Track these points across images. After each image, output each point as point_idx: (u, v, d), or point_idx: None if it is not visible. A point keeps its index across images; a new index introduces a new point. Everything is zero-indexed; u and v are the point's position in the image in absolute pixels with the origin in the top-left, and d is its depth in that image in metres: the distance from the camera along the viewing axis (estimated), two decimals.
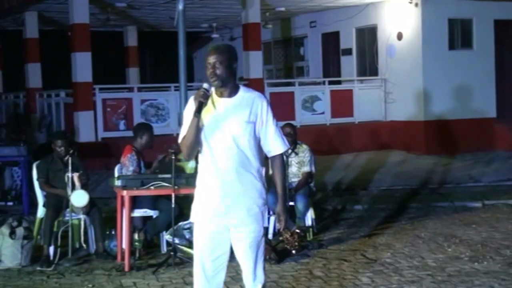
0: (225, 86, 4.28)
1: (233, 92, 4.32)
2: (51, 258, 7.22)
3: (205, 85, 4.26)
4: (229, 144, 4.22)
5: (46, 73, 17.38)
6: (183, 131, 4.27)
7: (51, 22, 17.90)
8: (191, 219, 4.48)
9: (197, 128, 4.19)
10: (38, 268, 7.06)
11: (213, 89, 4.30)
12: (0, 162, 10.72)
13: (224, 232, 4.32)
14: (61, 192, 7.44)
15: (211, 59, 4.27)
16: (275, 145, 4.39)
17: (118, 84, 16.80)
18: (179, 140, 4.30)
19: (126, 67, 20.68)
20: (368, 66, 17.06)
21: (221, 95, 4.30)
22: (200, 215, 4.39)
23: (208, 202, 4.34)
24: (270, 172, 8.41)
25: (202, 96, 4.19)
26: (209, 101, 4.27)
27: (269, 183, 8.65)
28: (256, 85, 15.17)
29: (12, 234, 7.20)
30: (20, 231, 7.26)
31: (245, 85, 15.43)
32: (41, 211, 7.72)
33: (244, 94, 4.34)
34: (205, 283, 4.44)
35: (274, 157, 4.45)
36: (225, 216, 4.28)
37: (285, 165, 4.44)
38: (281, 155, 4.46)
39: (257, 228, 4.36)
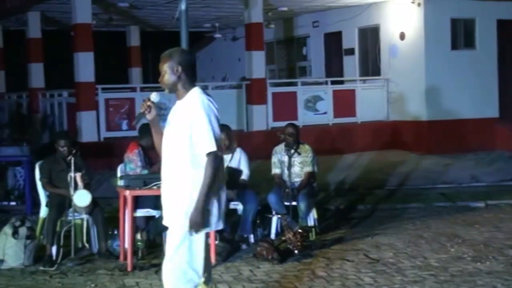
0: (174, 90, 4.43)
1: (183, 96, 4.45)
2: (54, 258, 7.23)
3: (152, 95, 4.51)
4: (168, 149, 4.43)
5: (49, 73, 17.39)
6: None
7: (53, 22, 17.92)
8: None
9: (156, 135, 4.56)
10: (41, 268, 7.07)
11: None
12: (3, 162, 10.73)
13: None
14: (64, 192, 7.44)
15: (160, 65, 4.43)
16: (201, 146, 4.34)
17: (121, 84, 16.81)
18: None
19: (129, 67, 20.70)
20: (371, 66, 17.05)
21: (178, 98, 4.48)
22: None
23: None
24: (273, 172, 8.49)
25: (142, 106, 4.49)
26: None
27: (271, 183, 8.69)
28: (258, 85, 15.21)
29: (15, 234, 7.21)
30: (23, 231, 7.26)
31: (247, 85, 15.38)
32: (43, 211, 7.73)
33: (189, 96, 4.43)
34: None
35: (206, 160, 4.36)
36: (165, 220, 4.54)
37: (213, 166, 4.32)
38: (211, 156, 4.33)
39: (180, 233, 4.45)
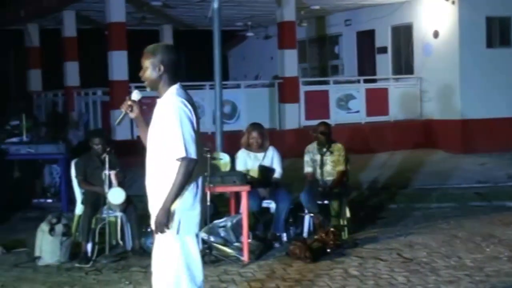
0: (155, 88, 4.35)
1: (163, 93, 4.34)
2: (89, 254, 7.30)
3: (134, 93, 4.48)
4: (150, 148, 4.37)
5: (84, 72, 17.58)
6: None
7: (88, 21, 18.11)
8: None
9: (142, 134, 4.49)
10: (77, 265, 7.14)
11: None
12: (40, 160, 10.88)
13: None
14: (99, 190, 7.52)
15: (141, 62, 4.35)
16: (169, 149, 4.22)
17: None
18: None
19: None
20: (404, 65, 16.94)
21: (159, 96, 4.38)
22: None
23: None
24: (305, 170, 8.49)
25: (124, 105, 4.45)
26: None
27: (304, 181, 8.69)
28: (291, 83, 15.20)
29: (51, 231, 7.30)
30: (59, 228, 7.35)
31: (279, 83, 15.35)
32: (79, 208, 7.82)
33: (163, 98, 4.32)
34: None
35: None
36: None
37: (179, 173, 4.19)
38: (182, 162, 4.18)
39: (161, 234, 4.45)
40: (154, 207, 4.30)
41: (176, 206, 4.23)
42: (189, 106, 4.24)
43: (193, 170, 4.21)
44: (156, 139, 4.29)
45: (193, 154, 4.18)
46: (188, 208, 4.30)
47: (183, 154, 4.15)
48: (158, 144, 4.28)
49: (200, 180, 4.37)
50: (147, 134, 4.40)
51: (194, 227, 4.37)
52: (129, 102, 4.43)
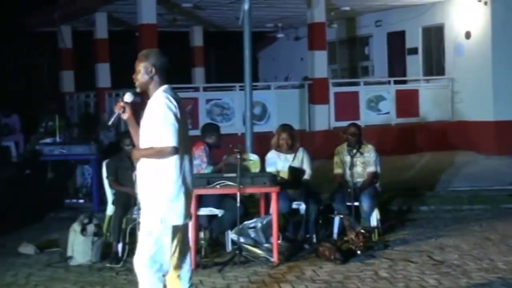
0: (145, 89, 4.70)
1: (153, 94, 4.71)
2: (120, 255, 7.36)
3: (127, 95, 4.72)
4: (141, 144, 4.69)
5: (115, 73, 17.71)
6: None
7: (120, 23, 18.25)
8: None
9: (134, 134, 4.79)
10: (108, 265, 7.21)
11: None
12: (73, 161, 10.99)
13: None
14: (129, 191, 7.58)
15: (135, 65, 4.69)
16: (160, 142, 4.63)
17: (184, 84, 16.99)
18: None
19: (192, 66, 20.90)
20: (435, 66, 16.81)
21: (149, 97, 4.71)
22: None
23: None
24: (335, 172, 8.47)
25: (117, 106, 4.73)
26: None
27: (334, 183, 8.66)
28: (320, 84, 15.17)
29: (83, 231, 7.38)
30: (90, 228, 7.43)
31: (309, 84, 15.37)
32: (110, 209, 7.89)
33: (153, 98, 4.69)
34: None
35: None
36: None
37: (158, 148, 4.68)
38: (167, 149, 4.64)
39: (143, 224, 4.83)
40: (146, 202, 4.74)
41: (161, 195, 4.62)
42: (174, 102, 4.65)
43: (169, 156, 4.60)
44: (147, 135, 4.64)
45: (174, 142, 4.58)
46: (172, 199, 4.63)
47: (172, 144, 4.59)
48: (149, 140, 4.62)
49: (187, 173, 4.70)
50: (138, 135, 4.74)
51: (177, 218, 4.66)
52: (122, 104, 4.73)
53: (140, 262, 4.76)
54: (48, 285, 6.58)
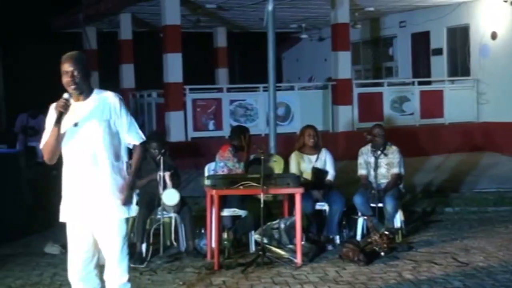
0: (82, 92, 4.63)
1: (88, 95, 4.67)
2: (144, 255, 7.39)
3: (66, 95, 4.55)
4: (86, 144, 4.58)
5: (139, 74, 17.83)
6: (45, 138, 4.59)
7: (144, 24, 18.36)
8: (62, 219, 4.74)
9: (58, 135, 4.54)
10: (132, 265, 7.19)
11: (68, 94, 4.60)
12: None
13: (86, 227, 4.70)
14: (150, 178, 7.60)
15: (68, 68, 4.56)
16: (131, 137, 4.77)
17: (208, 85, 17.06)
18: (41, 146, 4.63)
19: (216, 67, 20.96)
20: (460, 66, 16.69)
21: (77, 99, 4.62)
22: (71, 214, 4.70)
23: (76, 200, 4.65)
24: (359, 173, 8.45)
25: (63, 107, 4.50)
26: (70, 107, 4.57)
27: (357, 184, 8.65)
28: (344, 85, 15.13)
29: None
30: None
31: (333, 85, 15.38)
32: (134, 209, 7.90)
33: (97, 95, 4.69)
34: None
35: (134, 147, 4.82)
36: (90, 211, 4.64)
37: (142, 155, 4.85)
38: (140, 145, 4.80)
39: (115, 220, 4.71)
40: (106, 196, 4.65)
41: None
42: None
43: None
44: (99, 133, 4.60)
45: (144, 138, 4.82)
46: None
47: (144, 138, 4.82)
48: (105, 137, 4.61)
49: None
50: (59, 137, 4.57)
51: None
52: (64, 102, 4.56)
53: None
54: None
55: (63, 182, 4.70)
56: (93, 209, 4.63)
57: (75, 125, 4.56)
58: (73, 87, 4.56)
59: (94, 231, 4.69)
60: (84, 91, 4.64)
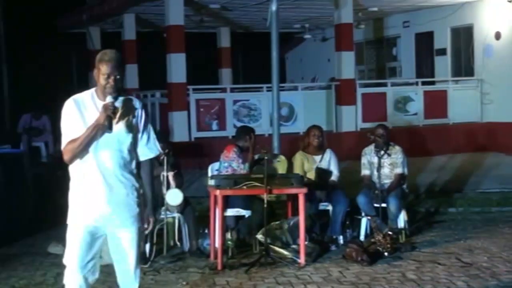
0: (117, 96, 4.38)
1: (117, 98, 4.39)
2: (147, 255, 7.39)
3: (109, 99, 4.29)
4: (115, 149, 4.36)
5: (143, 74, 17.84)
6: (70, 137, 4.32)
7: (147, 24, 18.37)
8: (75, 221, 4.53)
9: (94, 139, 4.31)
10: None
11: (93, 92, 4.40)
12: None
13: (102, 233, 4.52)
14: (156, 173, 7.60)
15: (110, 70, 4.30)
16: (148, 149, 4.56)
17: (211, 85, 17.06)
18: (66, 145, 4.34)
19: (219, 68, 20.96)
20: (463, 67, 16.68)
21: (105, 100, 4.34)
22: (82, 218, 4.48)
23: (93, 204, 4.42)
24: (362, 173, 8.45)
25: (113, 112, 4.28)
26: (93, 105, 4.36)
27: (361, 184, 8.64)
28: (348, 85, 15.13)
29: None
30: None
31: (336, 85, 15.35)
32: None
33: (124, 98, 4.44)
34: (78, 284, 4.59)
35: (146, 160, 4.59)
36: (109, 217, 4.43)
37: (153, 170, 4.65)
38: (152, 158, 4.61)
39: (137, 229, 4.55)
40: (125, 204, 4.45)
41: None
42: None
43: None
44: (128, 140, 4.42)
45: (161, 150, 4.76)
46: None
47: (160, 151, 4.78)
48: (126, 144, 4.42)
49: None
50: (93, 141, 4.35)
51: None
52: (113, 106, 4.31)
53: None
54: None
55: (77, 185, 4.46)
56: (116, 215, 4.43)
57: (110, 130, 4.30)
58: (112, 90, 4.32)
59: (111, 238, 4.55)
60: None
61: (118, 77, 4.32)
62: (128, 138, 4.41)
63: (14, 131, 15.59)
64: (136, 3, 15.77)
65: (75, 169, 4.44)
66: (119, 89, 4.37)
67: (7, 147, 11.21)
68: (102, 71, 4.31)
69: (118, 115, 4.34)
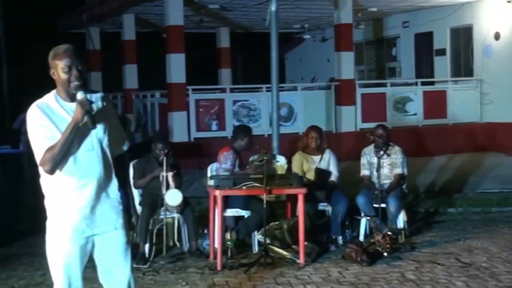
0: (84, 90, 3.95)
1: (85, 91, 3.97)
2: (147, 255, 7.40)
3: (81, 94, 3.88)
4: (93, 148, 3.98)
5: (142, 74, 17.84)
6: (45, 145, 3.87)
7: (147, 24, 18.38)
8: (52, 236, 4.17)
9: (73, 140, 3.88)
10: (135, 265, 7.20)
11: (55, 94, 3.98)
12: None
13: (89, 241, 4.12)
14: (156, 173, 7.60)
15: (70, 61, 3.90)
16: (119, 141, 4.22)
17: (211, 85, 17.07)
18: (43, 156, 3.90)
19: (219, 68, 20.97)
20: (463, 67, 16.69)
21: (69, 99, 3.95)
22: (68, 229, 4.06)
23: (78, 212, 4.02)
24: (362, 173, 8.44)
25: (91, 107, 3.87)
26: (60, 108, 3.95)
27: (360, 184, 8.64)
28: (347, 86, 15.13)
29: None
30: None
31: (336, 86, 15.33)
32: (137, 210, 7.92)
33: (89, 94, 3.98)
34: None
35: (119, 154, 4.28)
36: (94, 223, 4.05)
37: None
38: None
39: (122, 228, 4.17)
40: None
41: None
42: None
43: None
44: (105, 137, 4.05)
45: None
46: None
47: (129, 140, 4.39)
48: (105, 139, 4.04)
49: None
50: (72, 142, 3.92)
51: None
52: (88, 101, 3.90)
53: None
54: None
55: (58, 191, 4.08)
56: (102, 218, 4.06)
57: (93, 126, 3.87)
58: (79, 83, 3.91)
59: (99, 243, 4.15)
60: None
61: (80, 67, 3.92)
62: (105, 135, 4.03)
63: (14, 131, 15.57)
64: (136, 3, 15.78)
65: (56, 178, 4.02)
66: (85, 83, 3.96)
67: (7, 148, 11.23)
68: (61, 65, 3.90)
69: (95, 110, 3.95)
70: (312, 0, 15.83)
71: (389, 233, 7.48)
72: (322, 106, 15.14)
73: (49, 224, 4.17)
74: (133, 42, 17.48)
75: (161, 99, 15.41)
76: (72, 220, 4.04)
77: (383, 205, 8.02)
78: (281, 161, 8.73)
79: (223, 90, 15.92)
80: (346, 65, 15.22)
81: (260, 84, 14.98)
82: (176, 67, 14.14)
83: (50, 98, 3.98)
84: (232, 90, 15.58)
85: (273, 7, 11.20)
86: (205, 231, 7.67)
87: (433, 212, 9.90)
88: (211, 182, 7.50)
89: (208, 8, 16.23)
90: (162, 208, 7.52)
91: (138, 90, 17.38)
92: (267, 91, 13.81)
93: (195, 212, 8.05)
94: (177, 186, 7.60)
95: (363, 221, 8.15)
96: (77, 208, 4.02)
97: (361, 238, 8.05)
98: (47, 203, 4.12)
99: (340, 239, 7.94)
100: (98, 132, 3.99)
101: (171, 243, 7.81)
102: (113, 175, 4.13)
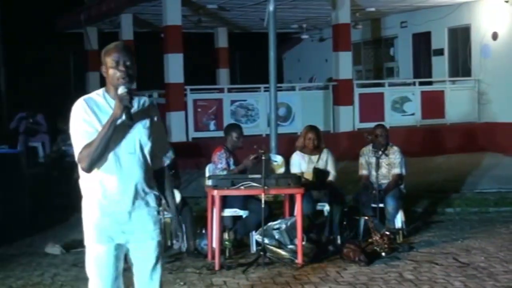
0: (131, 88, 3.87)
1: (130, 89, 3.86)
2: None
3: (122, 89, 3.78)
4: (135, 151, 3.86)
5: (140, 74, 17.79)
6: (84, 141, 3.76)
7: (145, 24, 18.36)
8: (90, 241, 3.93)
9: (111, 137, 3.75)
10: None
11: (104, 91, 3.91)
12: None
13: (123, 247, 3.97)
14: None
15: (118, 56, 3.85)
16: (162, 156, 4.10)
17: (209, 85, 17.06)
18: (80, 152, 3.78)
19: (217, 68, 20.96)
20: (461, 67, 16.70)
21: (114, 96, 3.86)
22: (105, 235, 3.89)
23: (114, 216, 3.88)
24: (360, 173, 8.44)
25: (130, 101, 3.76)
26: (107, 105, 3.85)
27: (358, 184, 8.64)
28: (345, 86, 15.13)
29: None
30: None
31: (334, 86, 15.34)
32: None
33: (137, 97, 3.94)
34: None
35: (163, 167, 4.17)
36: (130, 230, 3.92)
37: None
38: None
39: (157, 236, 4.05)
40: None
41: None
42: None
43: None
44: (148, 138, 3.92)
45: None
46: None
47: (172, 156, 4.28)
48: (148, 145, 3.93)
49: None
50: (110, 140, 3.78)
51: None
52: (128, 95, 3.79)
53: None
54: (74, 285, 6.63)
55: (96, 190, 3.86)
56: (138, 226, 3.92)
57: (130, 124, 3.77)
58: (126, 80, 3.82)
59: (132, 251, 4.00)
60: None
61: (128, 63, 3.86)
62: (147, 138, 3.89)
63: (11, 131, 15.58)
64: (134, 3, 15.77)
65: (95, 177, 3.85)
66: (131, 79, 3.86)
67: (5, 148, 11.21)
68: (109, 61, 3.85)
69: (134, 108, 3.83)
70: (310, 0, 15.83)
71: (387, 233, 7.49)
72: (320, 106, 15.14)
73: (85, 224, 3.95)
74: (130, 42, 17.44)
75: (159, 99, 15.37)
76: (107, 225, 3.88)
77: (381, 205, 8.03)
78: (278, 161, 8.73)
79: (221, 90, 15.91)
80: (344, 65, 15.22)
81: (258, 84, 14.97)
82: (174, 67, 14.14)
83: (98, 94, 3.91)
84: (230, 90, 15.58)
85: (271, 7, 11.19)
86: (203, 231, 7.67)
87: (431, 212, 9.90)
88: (209, 182, 7.49)
89: (206, 8, 16.23)
90: (160, 208, 7.50)
91: (136, 90, 17.30)
92: (265, 91, 13.80)
93: (193, 212, 8.05)
94: (175, 186, 7.59)
95: (361, 221, 8.14)
96: (113, 211, 3.87)
97: (359, 238, 8.05)
98: (84, 204, 3.94)
99: (338, 239, 7.94)
100: (142, 137, 3.87)
101: (169, 243, 7.80)
102: (153, 184, 4.01)
